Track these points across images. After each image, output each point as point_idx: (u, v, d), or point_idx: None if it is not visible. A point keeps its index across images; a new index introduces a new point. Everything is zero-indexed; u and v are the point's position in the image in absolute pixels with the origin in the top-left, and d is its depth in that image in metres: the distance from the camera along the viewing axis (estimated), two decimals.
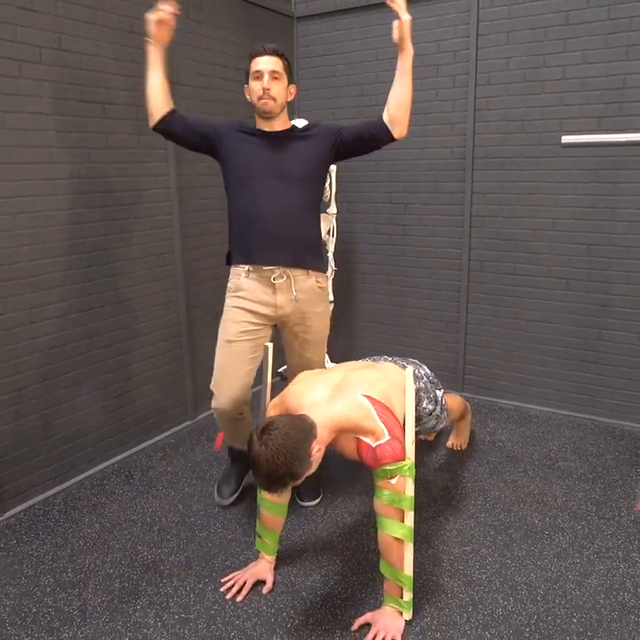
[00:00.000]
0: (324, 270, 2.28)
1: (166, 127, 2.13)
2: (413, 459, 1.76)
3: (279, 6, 3.41)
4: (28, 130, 2.24)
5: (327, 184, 3.21)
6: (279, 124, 2.13)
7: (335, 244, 3.43)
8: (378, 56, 3.32)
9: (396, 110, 2.04)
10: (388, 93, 2.06)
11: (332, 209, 3.31)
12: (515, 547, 2.13)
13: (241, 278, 2.18)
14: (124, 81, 2.57)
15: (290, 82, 2.12)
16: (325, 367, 2.40)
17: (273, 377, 2.96)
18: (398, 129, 2.07)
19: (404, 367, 2.10)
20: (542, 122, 2.95)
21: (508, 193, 3.11)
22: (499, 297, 3.25)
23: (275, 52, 2.05)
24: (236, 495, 2.41)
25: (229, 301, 2.21)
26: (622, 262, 2.90)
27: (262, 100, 2.06)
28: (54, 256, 2.39)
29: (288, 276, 2.16)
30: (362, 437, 1.74)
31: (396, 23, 1.95)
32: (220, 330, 2.22)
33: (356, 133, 2.10)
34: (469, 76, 3.07)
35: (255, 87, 2.07)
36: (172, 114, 2.13)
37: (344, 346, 3.84)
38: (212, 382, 2.21)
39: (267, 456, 1.54)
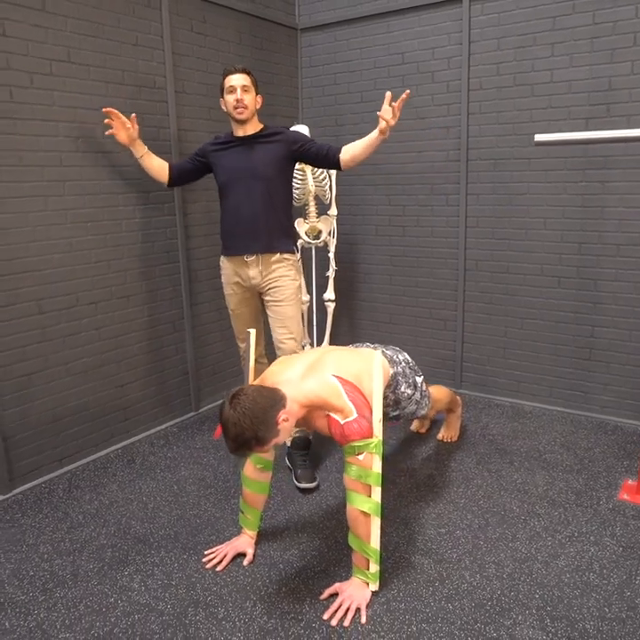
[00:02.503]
0: (292, 251, 2.67)
1: (175, 184, 2.73)
2: (381, 437, 1.87)
3: (283, 19, 3.58)
4: (38, 136, 2.45)
5: (327, 186, 3.35)
6: (251, 128, 2.57)
7: (336, 245, 3.55)
8: (376, 64, 3.45)
9: (352, 161, 2.51)
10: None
11: (333, 211, 3.44)
12: (489, 530, 2.20)
13: (223, 259, 2.73)
14: (129, 90, 2.76)
15: (257, 93, 2.57)
16: (301, 327, 2.75)
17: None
18: (346, 168, 2.54)
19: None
20: (532, 124, 3.04)
21: (501, 193, 3.19)
22: (493, 295, 3.33)
23: (244, 71, 2.52)
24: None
25: (222, 278, 2.76)
26: (611, 260, 2.94)
27: (237, 110, 2.50)
28: (63, 251, 2.58)
29: (257, 256, 2.60)
30: (331, 414, 1.86)
31: (384, 121, 2.31)
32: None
33: (315, 152, 2.54)
34: (462, 81, 3.18)
35: (230, 99, 2.52)
36: (171, 173, 2.68)
37: (345, 343, 3.94)
38: (235, 335, 2.85)
39: (234, 419, 1.66)
